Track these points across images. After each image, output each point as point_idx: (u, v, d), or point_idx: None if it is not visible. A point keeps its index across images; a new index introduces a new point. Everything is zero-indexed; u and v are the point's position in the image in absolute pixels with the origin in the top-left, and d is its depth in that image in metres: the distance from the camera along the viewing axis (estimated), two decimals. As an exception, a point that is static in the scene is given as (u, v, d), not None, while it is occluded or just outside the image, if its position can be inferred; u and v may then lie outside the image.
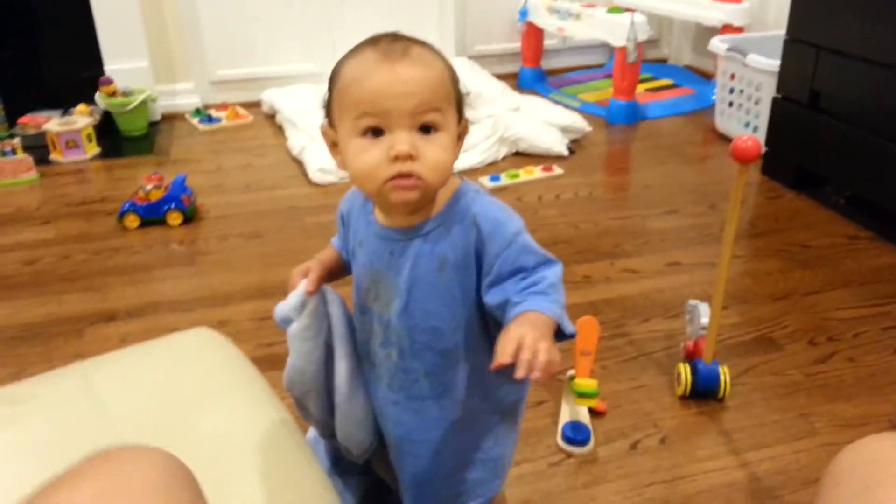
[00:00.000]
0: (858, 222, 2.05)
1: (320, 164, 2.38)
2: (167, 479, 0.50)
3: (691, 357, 1.42)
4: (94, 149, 2.64)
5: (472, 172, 2.42)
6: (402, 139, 0.71)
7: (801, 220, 2.10)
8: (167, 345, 0.93)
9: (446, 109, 0.74)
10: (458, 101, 0.77)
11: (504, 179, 2.36)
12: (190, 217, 2.13)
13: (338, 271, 0.96)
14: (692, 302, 1.46)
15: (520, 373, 0.65)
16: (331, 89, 0.77)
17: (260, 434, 0.81)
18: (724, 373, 1.37)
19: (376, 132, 0.73)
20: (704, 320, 1.38)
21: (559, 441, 1.29)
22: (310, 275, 0.88)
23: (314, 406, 0.91)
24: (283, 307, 0.87)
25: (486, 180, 2.35)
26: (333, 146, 0.80)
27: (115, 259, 1.96)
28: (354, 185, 0.80)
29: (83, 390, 0.83)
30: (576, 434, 1.28)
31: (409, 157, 0.71)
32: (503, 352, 0.66)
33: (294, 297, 0.87)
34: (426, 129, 0.73)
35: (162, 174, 2.20)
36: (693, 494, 1.19)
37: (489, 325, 0.83)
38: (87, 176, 2.53)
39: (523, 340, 0.66)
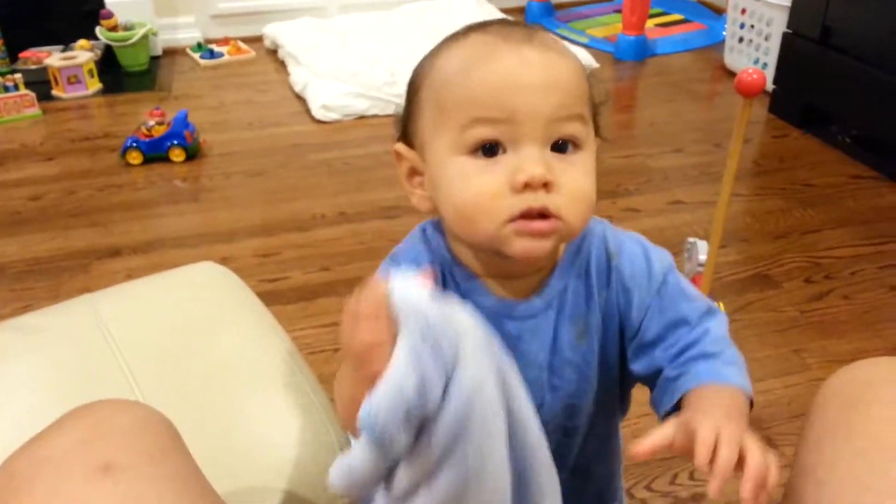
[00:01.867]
0: (863, 161, 2.04)
1: (323, 100, 2.36)
2: (145, 425, 0.52)
3: (688, 294, 1.44)
4: (95, 84, 2.62)
5: (476, 109, 2.40)
6: (534, 159, 0.50)
7: (806, 159, 2.09)
8: (174, 277, 0.95)
9: (588, 119, 0.54)
10: (595, 112, 0.57)
11: (508, 117, 2.34)
12: (193, 154, 2.13)
13: None
14: (691, 239, 1.47)
15: (714, 486, 0.44)
16: (414, 94, 0.58)
17: (267, 363, 0.83)
18: (721, 309, 1.39)
19: (490, 149, 0.51)
20: (702, 257, 1.40)
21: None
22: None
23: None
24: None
25: (489, 117, 2.33)
26: (412, 175, 0.58)
27: (119, 195, 1.97)
28: (454, 229, 0.55)
29: (93, 321, 0.85)
30: None
31: (545, 186, 0.50)
32: (698, 457, 0.45)
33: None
34: (562, 146, 0.52)
35: (164, 110, 2.19)
36: (685, 426, 1.23)
37: (626, 386, 0.65)
38: (90, 112, 2.52)
39: (720, 439, 0.45)
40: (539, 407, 0.55)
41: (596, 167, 0.55)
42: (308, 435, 0.78)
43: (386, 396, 0.42)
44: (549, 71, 0.51)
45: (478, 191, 0.50)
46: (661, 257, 0.60)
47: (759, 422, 1.23)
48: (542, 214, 0.50)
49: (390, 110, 2.39)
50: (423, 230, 0.62)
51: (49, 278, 1.63)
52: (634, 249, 0.60)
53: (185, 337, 0.84)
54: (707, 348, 0.55)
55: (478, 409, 0.45)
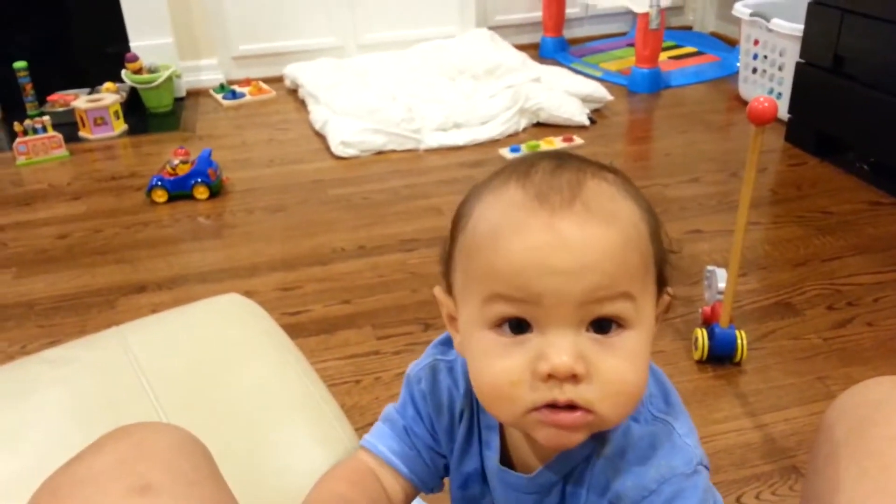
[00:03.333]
0: (881, 188, 2.04)
1: (342, 137, 2.40)
2: (182, 448, 0.53)
3: (708, 322, 1.44)
4: (121, 125, 2.69)
5: (492, 144, 2.43)
6: (560, 346, 0.44)
7: (823, 187, 2.08)
8: (199, 309, 0.97)
9: (641, 292, 0.46)
10: (660, 268, 0.49)
11: (524, 150, 2.37)
12: (216, 191, 2.17)
13: None
14: (710, 267, 1.47)
15: None
16: (453, 237, 0.52)
17: (292, 393, 0.84)
18: (741, 337, 1.39)
19: (519, 326, 0.46)
20: (721, 285, 1.40)
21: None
22: None
23: None
24: None
25: (506, 151, 2.36)
26: (451, 319, 0.53)
27: (144, 233, 2.01)
28: (480, 400, 0.50)
29: (121, 352, 0.87)
30: None
31: (574, 378, 0.44)
32: None
33: None
34: (604, 325, 0.45)
35: (188, 149, 2.24)
36: (709, 454, 1.21)
37: None
38: (116, 152, 2.58)
39: None
40: None
41: (651, 342, 0.48)
42: (329, 462, 0.78)
43: None
44: (585, 252, 0.43)
45: (497, 375, 0.45)
46: (676, 457, 0.50)
47: (785, 450, 1.22)
48: (572, 407, 0.44)
49: (409, 145, 2.43)
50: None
51: (76, 314, 1.66)
52: (651, 434, 0.50)
53: (211, 367, 0.86)
54: None
55: None
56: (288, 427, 0.80)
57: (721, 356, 1.41)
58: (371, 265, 1.81)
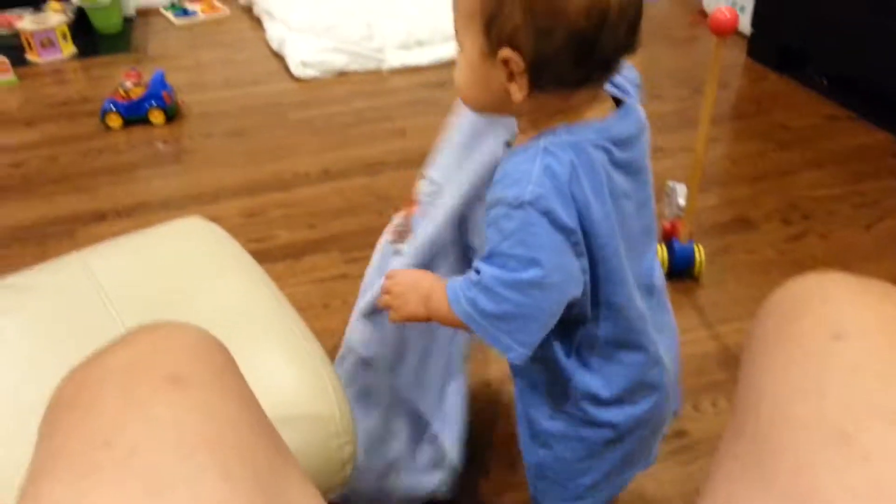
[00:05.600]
0: (839, 102, 2.06)
1: (301, 57, 2.34)
2: (206, 344, 0.54)
3: (668, 237, 1.47)
4: (69, 48, 2.58)
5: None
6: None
7: (783, 102, 2.11)
8: (163, 233, 0.96)
9: (463, 30, 0.64)
10: (491, 24, 0.61)
11: (488, 69, 2.33)
12: (172, 115, 2.12)
13: None
14: (670, 183, 1.49)
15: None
16: None
17: (259, 312, 0.85)
18: (700, 251, 1.43)
19: None
20: (681, 201, 1.42)
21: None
22: None
23: None
24: None
25: (469, 70, 2.32)
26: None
27: (100, 159, 1.96)
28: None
29: (83, 276, 0.87)
30: None
31: None
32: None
33: None
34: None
35: (140, 71, 2.17)
36: (667, 364, 1.27)
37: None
38: (66, 76, 2.48)
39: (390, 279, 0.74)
40: None
41: (476, 60, 0.64)
42: (302, 381, 0.80)
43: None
44: None
45: None
46: (512, 188, 0.62)
47: (739, 359, 1.27)
48: None
49: (371, 66, 2.38)
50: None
51: (35, 245, 1.64)
52: (508, 170, 0.64)
53: (177, 288, 0.86)
54: (470, 275, 0.66)
55: None
56: (258, 348, 0.81)
57: (680, 271, 1.44)
58: (336, 189, 1.80)
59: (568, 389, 0.75)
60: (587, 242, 0.65)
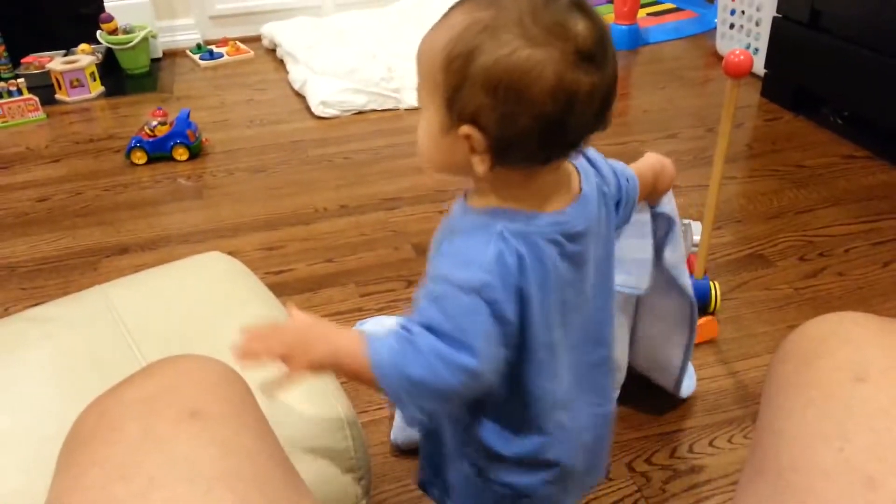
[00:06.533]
0: (855, 141, 2.07)
1: (322, 97, 2.39)
2: (226, 378, 0.55)
3: (684, 274, 1.47)
4: (98, 87, 2.66)
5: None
6: None
7: (798, 141, 2.11)
8: (183, 267, 0.98)
9: (427, 98, 0.61)
10: (454, 98, 0.58)
11: (504, 108, 2.37)
12: (196, 152, 2.17)
13: None
14: (685, 221, 1.49)
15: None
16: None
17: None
18: (715, 287, 1.43)
19: None
20: (696, 237, 1.43)
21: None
22: None
23: None
24: None
25: (486, 109, 2.36)
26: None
27: (125, 194, 2.01)
28: None
29: (104, 309, 0.88)
30: None
31: None
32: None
33: None
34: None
35: (166, 110, 2.23)
36: (681, 400, 1.26)
37: None
38: (93, 114, 2.55)
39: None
40: None
41: (435, 129, 0.61)
42: (318, 414, 0.81)
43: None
44: (421, 42, 0.61)
45: None
46: (459, 271, 0.60)
47: (756, 396, 1.26)
48: None
49: (389, 105, 2.43)
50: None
51: (59, 276, 1.67)
52: (460, 247, 0.61)
53: (196, 323, 0.88)
54: (399, 332, 0.61)
55: None
56: (273, 385, 0.82)
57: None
58: (353, 224, 1.82)
59: (468, 439, 0.73)
60: (522, 335, 0.63)
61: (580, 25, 0.55)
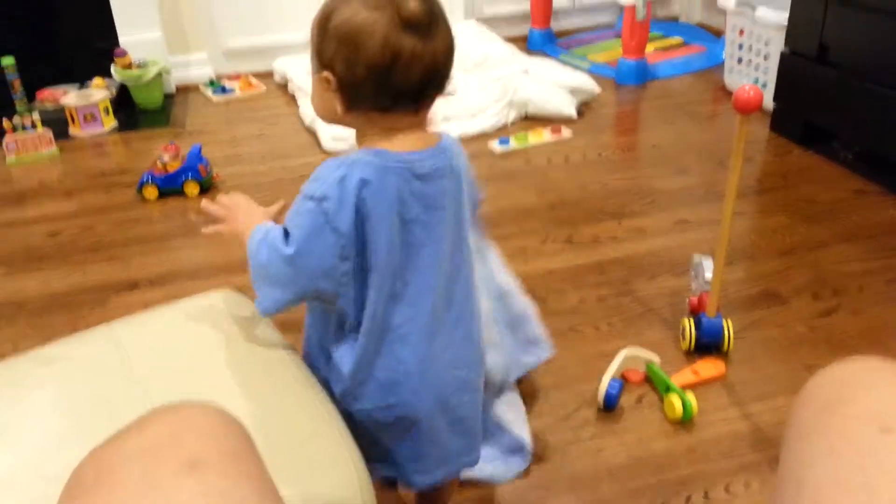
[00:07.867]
0: (866, 177, 2.06)
1: (332, 131, 2.41)
2: (225, 426, 0.54)
3: (696, 312, 1.46)
4: (111, 122, 2.68)
5: (482, 137, 2.44)
6: None
7: (809, 176, 2.11)
8: (192, 305, 0.98)
9: (313, 55, 0.80)
10: (319, 51, 0.79)
11: (513, 143, 2.38)
12: (207, 187, 2.18)
13: None
14: (696, 257, 1.49)
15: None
16: None
17: (284, 386, 0.86)
18: (728, 326, 1.41)
19: None
20: (708, 275, 1.42)
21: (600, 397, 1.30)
22: None
23: None
24: None
25: (495, 144, 2.37)
26: None
27: (135, 230, 2.01)
28: None
29: (111, 349, 0.88)
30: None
31: None
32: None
33: None
34: None
35: (178, 145, 2.24)
36: (696, 444, 1.24)
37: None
38: (106, 149, 2.58)
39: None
40: None
41: (315, 81, 0.82)
42: (324, 460, 0.79)
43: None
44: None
45: None
46: (313, 183, 0.80)
47: (772, 439, 1.24)
48: None
49: (398, 139, 2.44)
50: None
51: (68, 313, 1.67)
52: (318, 169, 0.80)
53: (204, 363, 0.87)
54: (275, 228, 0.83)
55: None
56: (281, 421, 0.81)
57: (708, 345, 1.42)
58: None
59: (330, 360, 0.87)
60: (364, 251, 0.78)
61: (412, 3, 0.73)
